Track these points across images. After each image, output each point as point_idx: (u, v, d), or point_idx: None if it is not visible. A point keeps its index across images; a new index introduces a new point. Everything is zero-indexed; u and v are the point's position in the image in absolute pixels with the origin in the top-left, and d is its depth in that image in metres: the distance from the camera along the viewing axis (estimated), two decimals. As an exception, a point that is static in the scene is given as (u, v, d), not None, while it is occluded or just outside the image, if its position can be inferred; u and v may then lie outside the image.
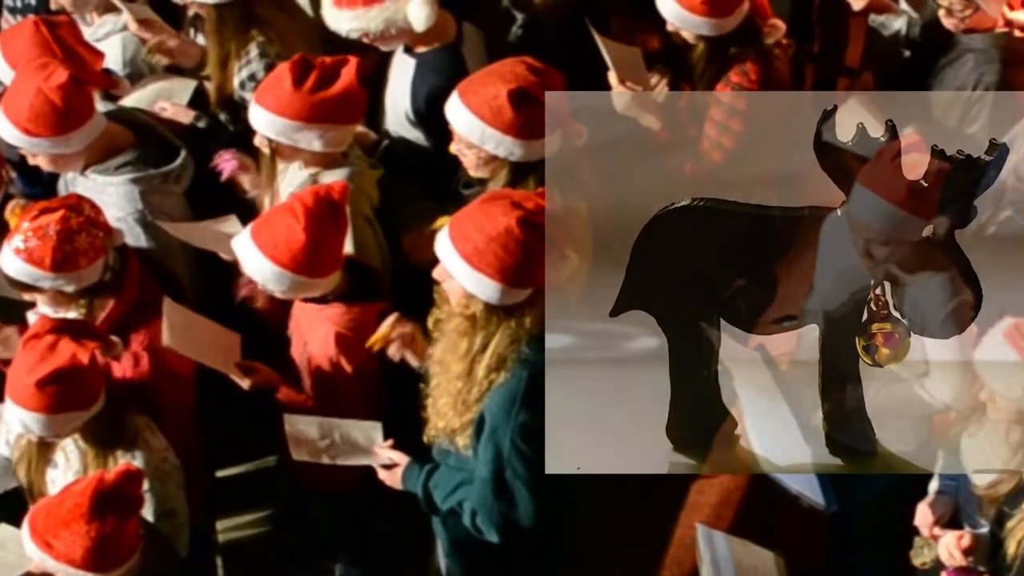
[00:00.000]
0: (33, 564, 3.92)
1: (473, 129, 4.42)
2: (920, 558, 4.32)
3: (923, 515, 4.33)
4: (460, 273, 3.93)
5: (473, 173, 4.58)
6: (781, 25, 5.15)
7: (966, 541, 4.14)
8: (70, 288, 4.41)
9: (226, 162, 4.96)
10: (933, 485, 4.43)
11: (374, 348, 4.34)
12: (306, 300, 4.48)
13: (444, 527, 4.47)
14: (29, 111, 4.63)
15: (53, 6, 5.72)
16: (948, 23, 5.19)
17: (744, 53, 5.05)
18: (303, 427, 4.37)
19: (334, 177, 4.66)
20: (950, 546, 4.13)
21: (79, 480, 3.97)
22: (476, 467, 4.12)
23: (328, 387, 4.51)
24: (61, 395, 4.08)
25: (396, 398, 4.51)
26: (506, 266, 3.88)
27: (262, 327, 4.75)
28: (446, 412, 4.11)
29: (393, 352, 4.34)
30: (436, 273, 4.02)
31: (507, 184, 4.45)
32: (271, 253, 4.30)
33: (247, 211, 4.87)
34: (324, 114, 4.62)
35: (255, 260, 4.33)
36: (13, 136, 4.70)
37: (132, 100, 5.31)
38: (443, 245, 3.96)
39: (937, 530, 4.26)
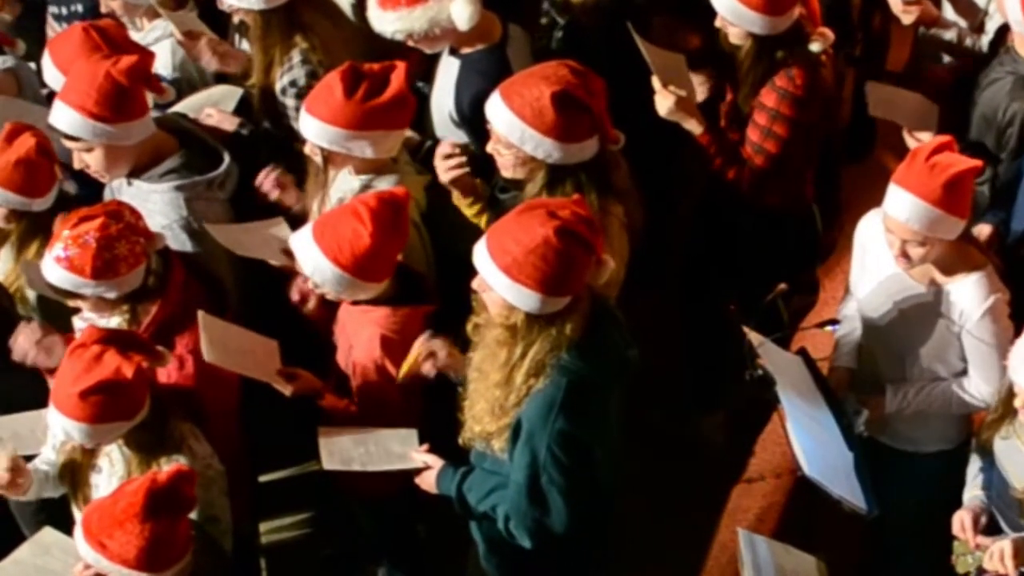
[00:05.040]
0: (82, 566, 3.96)
1: (514, 129, 4.40)
2: (964, 566, 4.30)
3: (960, 522, 4.31)
4: (500, 285, 3.92)
5: (508, 174, 4.56)
6: (830, 34, 5.13)
7: (1018, 554, 4.09)
8: (111, 295, 4.42)
9: (266, 181, 4.98)
10: (968, 493, 4.42)
11: (405, 376, 4.36)
12: (353, 303, 4.50)
13: (480, 530, 4.49)
14: (97, 94, 4.63)
15: (103, 9, 5.76)
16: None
17: (791, 58, 5.04)
18: (337, 439, 4.39)
19: (386, 184, 4.68)
20: (996, 556, 4.09)
21: (132, 480, 3.97)
22: (511, 472, 4.12)
23: (372, 390, 4.51)
24: (104, 406, 4.09)
25: (435, 400, 4.52)
26: (545, 276, 3.87)
27: (307, 332, 4.79)
28: (482, 417, 4.12)
29: (427, 370, 4.36)
30: (475, 284, 4.01)
31: (543, 187, 4.44)
32: (334, 255, 4.31)
33: (293, 219, 4.90)
34: (376, 121, 4.63)
35: (316, 260, 4.34)
36: (75, 124, 4.68)
37: (178, 108, 5.32)
38: (481, 258, 3.96)
39: (980, 539, 4.23)
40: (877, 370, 4.66)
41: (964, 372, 4.53)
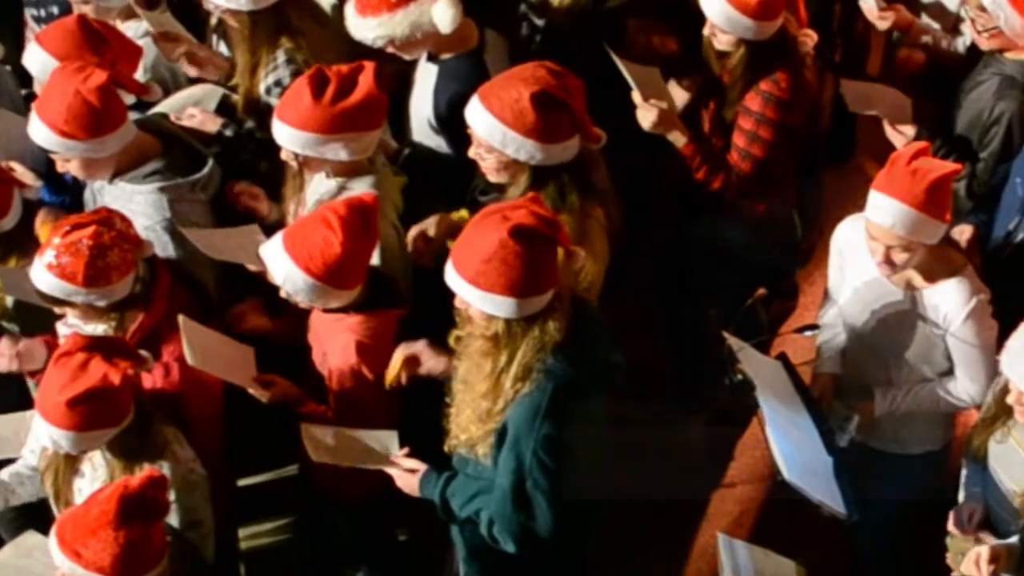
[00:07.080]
0: (60, 573, 3.94)
1: (494, 132, 4.39)
2: (958, 564, 4.29)
3: (965, 514, 4.31)
4: (472, 298, 3.92)
5: (492, 178, 4.55)
6: (814, 35, 5.14)
7: (995, 560, 4.10)
8: (102, 303, 4.41)
9: (242, 195, 5.00)
10: (961, 494, 4.43)
11: (391, 384, 4.37)
12: (325, 310, 4.49)
13: (462, 535, 4.48)
14: (67, 113, 4.60)
15: (75, 11, 5.73)
16: (975, 38, 5.15)
17: (775, 62, 5.05)
18: (319, 435, 4.39)
19: (362, 186, 4.67)
20: (972, 560, 4.09)
21: (105, 487, 3.94)
22: (496, 476, 4.12)
23: (350, 397, 4.51)
24: (91, 414, 4.08)
25: (415, 405, 4.52)
26: (512, 280, 3.86)
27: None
28: (468, 426, 4.11)
29: (407, 376, 4.37)
30: (457, 302, 4.01)
31: (527, 189, 4.41)
32: (305, 264, 4.30)
33: (269, 228, 4.89)
34: (347, 124, 4.60)
35: (287, 269, 4.32)
36: (48, 139, 4.67)
37: (160, 109, 5.29)
38: (451, 275, 3.96)
39: (981, 534, 4.24)
40: (863, 375, 4.67)
41: (951, 371, 4.54)
